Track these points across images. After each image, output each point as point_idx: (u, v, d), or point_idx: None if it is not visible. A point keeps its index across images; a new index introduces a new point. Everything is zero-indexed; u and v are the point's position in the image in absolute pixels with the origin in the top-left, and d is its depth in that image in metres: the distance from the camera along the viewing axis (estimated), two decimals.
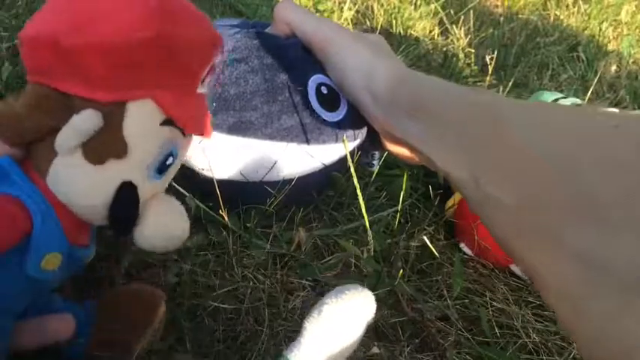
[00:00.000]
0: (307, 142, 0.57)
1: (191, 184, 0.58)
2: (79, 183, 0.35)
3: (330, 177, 0.61)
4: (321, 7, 1.09)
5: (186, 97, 0.37)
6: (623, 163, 0.26)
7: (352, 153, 0.61)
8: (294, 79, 0.57)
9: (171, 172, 0.40)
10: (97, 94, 0.33)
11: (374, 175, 0.66)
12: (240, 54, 0.57)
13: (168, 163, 0.38)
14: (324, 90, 0.58)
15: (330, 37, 0.55)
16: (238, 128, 0.55)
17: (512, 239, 0.32)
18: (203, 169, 0.58)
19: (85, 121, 0.33)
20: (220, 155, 0.56)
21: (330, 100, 0.58)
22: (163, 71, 0.34)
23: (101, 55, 0.32)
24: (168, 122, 0.36)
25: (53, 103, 0.33)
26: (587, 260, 0.26)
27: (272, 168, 0.56)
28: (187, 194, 0.58)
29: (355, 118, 0.59)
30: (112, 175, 0.35)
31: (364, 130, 0.61)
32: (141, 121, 0.35)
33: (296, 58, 0.58)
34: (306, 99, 0.57)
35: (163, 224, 0.38)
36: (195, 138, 0.54)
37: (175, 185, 0.59)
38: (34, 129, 0.33)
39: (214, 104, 0.55)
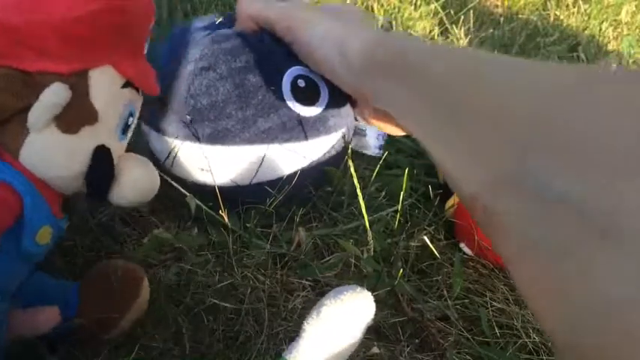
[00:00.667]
0: (288, 141, 0.56)
1: (190, 188, 0.58)
2: (58, 155, 0.36)
3: (323, 171, 0.61)
4: None
5: (138, 59, 0.41)
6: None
7: (340, 143, 0.60)
8: (266, 78, 0.56)
9: (131, 131, 0.44)
10: (59, 67, 0.35)
11: (374, 175, 0.66)
12: (207, 61, 0.56)
13: (129, 123, 0.42)
14: (301, 83, 0.56)
15: (294, 15, 0.51)
16: (216, 137, 0.55)
17: None
18: (202, 169, 0.58)
19: (55, 95, 0.34)
20: (205, 165, 0.56)
21: (309, 92, 0.57)
22: (117, 38, 0.37)
23: (55, 30, 0.34)
24: (127, 84, 0.40)
25: (16, 83, 0.34)
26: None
27: (257, 171, 0.56)
28: (187, 194, 0.58)
29: (338, 107, 0.58)
30: (87, 141, 0.38)
31: (350, 118, 0.61)
32: (105, 86, 0.38)
33: (266, 54, 0.56)
34: (282, 97, 0.56)
35: (135, 179, 0.41)
36: (193, 147, 0.55)
37: (176, 185, 0.59)
38: None
39: (189, 116, 0.55)
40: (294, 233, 0.58)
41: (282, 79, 0.56)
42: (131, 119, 0.42)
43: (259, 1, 0.56)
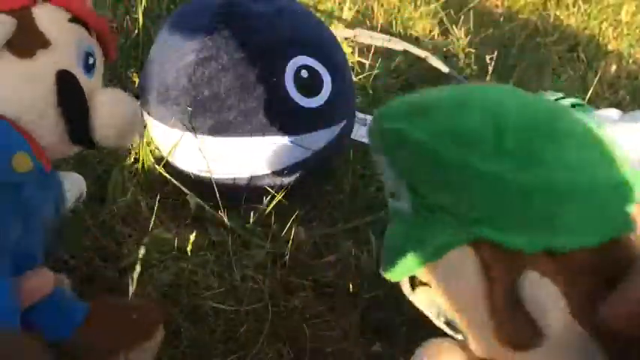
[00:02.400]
0: (290, 133, 0.56)
1: (190, 186, 0.58)
2: (17, 79, 0.36)
3: (325, 164, 0.61)
4: (321, 7, 1.09)
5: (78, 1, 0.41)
6: None
7: (342, 134, 0.60)
8: (269, 68, 0.55)
9: (97, 74, 0.43)
10: (5, 4, 0.36)
11: (374, 175, 0.66)
12: (209, 52, 0.55)
13: (90, 62, 0.42)
14: (304, 74, 0.56)
15: None
16: (218, 129, 0.55)
17: None
18: (200, 171, 0.58)
19: (3, 26, 0.35)
20: (206, 156, 0.56)
21: (312, 83, 0.57)
22: None
23: None
24: (74, 20, 0.40)
25: None
26: None
27: (259, 163, 0.56)
28: (188, 192, 0.58)
29: (340, 99, 0.58)
30: (45, 65, 0.37)
31: (353, 108, 0.61)
32: (50, 16, 0.38)
33: (269, 44, 0.56)
34: (284, 89, 0.55)
35: (112, 111, 0.40)
36: (189, 141, 0.54)
37: (176, 183, 0.59)
38: None
39: (190, 108, 0.55)
40: (295, 233, 0.58)
41: (284, 71, 0.56)
42: (91, 59, 0.42)
43: None
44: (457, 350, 0.29)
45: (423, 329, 0.54)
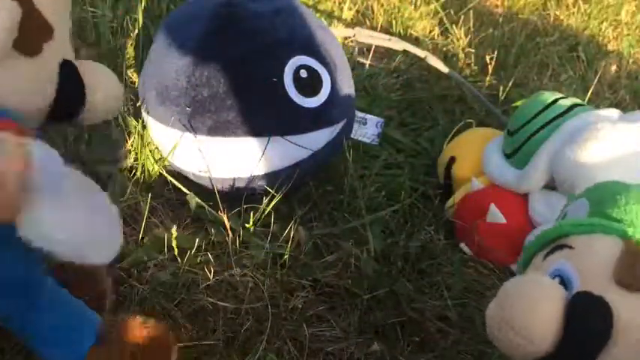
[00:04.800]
0: (289, 133, 0.56)
1: (190, 186, 0.58)
2: (27, 78, 0.34)
3: (324, 163, 0.61)
4: (321, 7, 1.09)
5: None
6: None
7: (342, 134, 0.60)
8: (268, 68, 0.55)
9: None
10: None
11: (374, 175, 0.66)
12: (208, 52, 0.55)
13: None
14: (303, 74, 0.56)
15: None
16: (217, 129, 0.55)
17: None
18: (199, 171, 0.58)
19: (9, 13, 0.31)
20: (206, 156, 0.56)
21: (311, 83, 0.57)
22: None
23: None
24: None
25: None
26: None
27: (259, 163, 0.56)
28: (188, 192, 0.58)
29: (339, 98, 0.58)
30: (51, 58, 0.35)
31: (352, 108, 0.61)
32: None
33: (268, 44, 0.56)
34: (283, 89, 0.55)
35: (105, 97, 0.39)
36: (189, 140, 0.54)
37: (176, 183, 0.59)
38: None
39: (189, 108, 0.55)
40: (294, 233, 0.58)
41: (284, 70, 0.56)
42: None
43: None
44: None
45: (423, 329, 0.54)
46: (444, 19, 1.14)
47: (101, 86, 0.38)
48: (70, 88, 0.36)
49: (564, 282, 0.33)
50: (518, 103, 0.70)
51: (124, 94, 0.41)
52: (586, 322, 0.31)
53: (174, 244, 0.53)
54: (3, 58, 0.32)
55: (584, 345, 0.30)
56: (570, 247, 0.34)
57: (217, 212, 0.58)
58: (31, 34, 0.33)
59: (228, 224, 0.57)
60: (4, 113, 0.32)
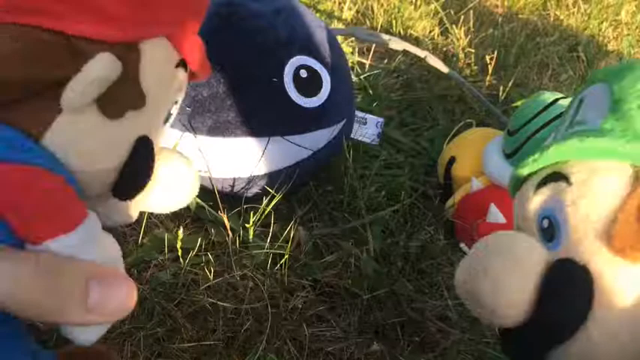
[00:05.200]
0: (289, 132, 0.56)
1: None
2: (95, 143, 0.29)
3: (324, 163, 0.61)
4: (321, 7, 1.09)
5: (193, 36, 0.34)
6: None
7: (342, 134, 0.60)
8: (268, 68, 0.55)
9: (171, 120, 0.36)
10: (110, 33, 0.27)
11: (374, 175, 0.66)
12: (208, 52, 0.55)
13: (172, 112, 0.35)
14: (303, 74, 0.56)
15: None
16: (217, 129, 0.55)
17: None
18: (199, 171, 0.58)
19: (104, 69, 0.27)
20: (206, 156, 0.56)
21: (311, 83, 0.57)
22: (182, 6, 0.30)
23: None
24: (180, 64, 0.32)
25: (53, 49, 0.26)
26: None
27: (258, 163, 0.56)
28: None
29: (339, 98, 0.58)
30: (129, 130, 0.30)
31: (352, 107, 0.61)
32: (158, 63, 0.30)
33: (268, 44, 0.56)
34: (283, 89, 0.55)
35: (175, 183, 0.35)
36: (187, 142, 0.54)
37: None
38: (19, 84, 0.26)
39: (189, 108, 0.55)
40: (294, 233, 0.58)
41: (284, 70, 0.56)
42: (174, 108, 0.35)
43: None
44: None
45: (423, 329, 0.54)
46: (444, 19, 1.14)
47: (174, 174, 0.35)
48: (139, 163, 0.32)
49: (553, 227, 0.29)
50: (518, 103, 0.70)
51: (196, 190, 0.38)
52: (561, 302, 0.26)
53: (178, 245, 0.53)
54: (80, 108, 0.28)
55: (557, 324, 0.26)
56: (567, 180, 0.28)
57: (217, 212, 0.58)
58: (119, 97, 0.29)
59: (228, 224, 0.57)
60: (73, 180, 0.29)
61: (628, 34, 1.29)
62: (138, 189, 0.33)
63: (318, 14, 1.02)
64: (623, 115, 0.27)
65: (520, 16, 1.28)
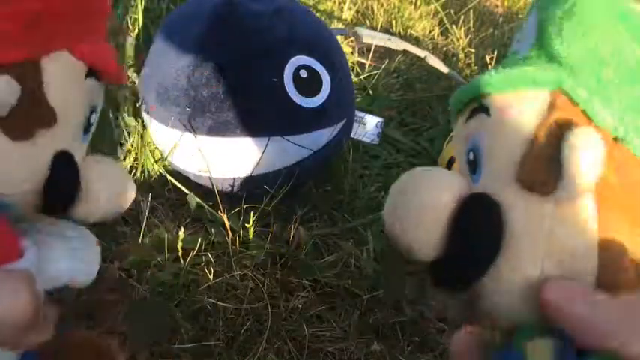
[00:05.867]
0: (289, 133, 0.56)
1: (190, 186, 0.58)
2: (9, 166, 0.28)
3: (324, 163, 0.61)
4: (321, 7, 1.09)
5: (101, 44, 0.33)
6: None
7: (342, 134, 0.60)
8: (268, 68, 0.55)
9: (93, 129, 0.35)
10: (4, 54, 0.27)
11: (374, 175, 0.66)
12: (208, 52, 0.55)
13: (92, 121, 0.33)
14: (303, 74, 0.56)
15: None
16: (217, 129, 0.55)
17: None
18: (199, 171, 0.58)
19: (1, 92, 0.26)
20: (206, 156, 0.56)
21: (310, 83, 0.57)
22: (75, 13, 0.29)
23: (9, 7, 0.26)
24: (90, 74, 0.31)
25: None
26: None
27: (258, 163, 0.56)
28: (188, 192, 0.58)
29: (339, 98, 0.58)
30: (43, 148, 0.29)
31: (352, 107, 0.61)
32: (63, 77, 0.29)
33: (268, 44, 0.56)
34: (283, 89, 0.55)
35: (106, 190, 0.33)
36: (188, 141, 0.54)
37: (176, 183, 0.59)
38: None
39: (188, 108, 0.55)
40: (294, 233, 0.58)
41: (284, 70, 0.56)
42: (94, 116, 0.34)
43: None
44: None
45: (423, 329, 0.54)
46: (444, 19, 1.14)
47: (103, 181, 0.33)
48: (61, 178, 0.31)
49: (476, 160, 0.28)
50: None
51: (133, 191, 0.36)
52: (469, 240, 0.26)
53: (179, 245, 0.53)
54: None
55: (466, 261, 0.26)
56: (487, 112, 0.28)
57: (217, 212, 0.58)
58: (24, 118, 0.28)
59: (228, 224, 0.57)
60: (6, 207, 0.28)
61: None
62: (66, 204, 0.31)
63: (318, 14, 1.02)
64: (543, 41, 0.27)
65: (520, 16, 1.28)
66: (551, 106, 0.26)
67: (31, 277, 0.26)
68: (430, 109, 0.86)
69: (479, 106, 0.29)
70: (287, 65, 0.55)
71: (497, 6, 1.33)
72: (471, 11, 1.16)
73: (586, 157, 0.24)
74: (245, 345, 0.50)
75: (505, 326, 0.27)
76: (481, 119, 0.28)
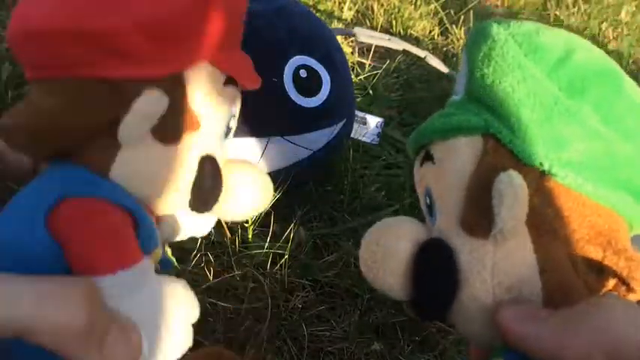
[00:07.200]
0: (289, 133, 0.56)
1: None
2: (158, 168, 0.32)
3: (324, 164, 0.61)
4: (321, 7, 1.09)
5: (235, 50, 0.36)
6: None
7: (342, 134, 0.60)
8: (268, 68, 0.55)
9: (231, 134, 0.38)
10: (149, 71, 0.30)
11: (374, 175, 0.66)
12: None
13: (230, 125, 0.36)
14: (302, 74, 0.56)
15: None
16: None
17: None
18: None
19: (151, 104, 0.30)
20: None
21: (310, 83, 0.57)
22: (211, 30, 0.32)
23: (146, 31, 0.29)
24: (229, 81, 0.34)
25: (101, 95, 0.29)
26: None
27: (258, 163, 0.56)
28: None
29: (339, 99, 0.58)
30: (190, 150, 0.33)
31: (352, 107, 0.61)
32: (205, 86, 0.33)
33: (268, 43, 0.56)
34: (283, 89, 0.55)
35: (247, 193, 0.37)
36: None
37: None
38: (78, 128, 0.30)
39: None
40: (294, 233, 0.58)
41: (283, 70, 0.56)
42: (232, 121, 0.37)
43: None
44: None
45: (423, 329, 0.54)
46: (444, 19, 1.14)
47: (245, 182, 0.37)
48: (207, 179, 0.34)
49: (432, 205, 0.31)
50: None
51: (271, 191, 0.39)
52: (427, 284, 0.29)
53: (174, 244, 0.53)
54: (138, 140, 0.31)
55: (429, 301, 0.30)
56: (433, 160, 0.31)
57: None
58: (172, 124, 0.32)
59: (227, 224, 0.57)
60: (141, 214, 0.31)
61: (628, 34, 1.29)
62: (211, 203, 0.35)
63: (318, 14, 1.02)
64: (471, 85, 0.30)
65: (520, 16, 1.28)
66: (484, 152, 0.28)
67: (97, 295, 0.27)
68: (430, 109, 0.86)
69: (426, 153, 0.32)
70: (287, 65, 0.55)
71: (497, 6, 1.33)
72: (471, 11, 1.16)
73: (509, 200, 0.26)
74: (245, 345, 0.50)
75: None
76: (428, 167, 0.31)
